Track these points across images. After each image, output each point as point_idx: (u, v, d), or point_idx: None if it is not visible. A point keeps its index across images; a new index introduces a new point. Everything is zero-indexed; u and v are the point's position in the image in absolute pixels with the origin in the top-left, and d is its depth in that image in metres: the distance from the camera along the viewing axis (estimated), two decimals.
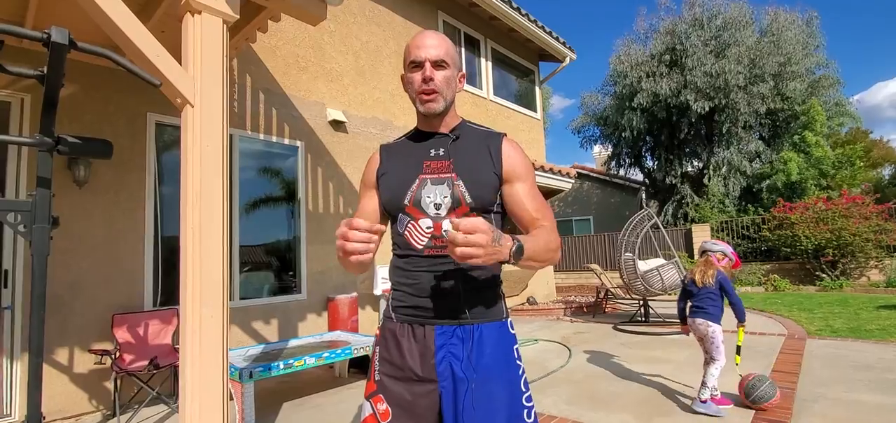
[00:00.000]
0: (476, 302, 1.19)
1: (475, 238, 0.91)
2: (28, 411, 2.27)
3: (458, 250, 0.91)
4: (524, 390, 1.21)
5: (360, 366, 4.55)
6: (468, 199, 1.18)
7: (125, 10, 2.22)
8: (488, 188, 1.20)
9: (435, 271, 1.18)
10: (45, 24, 2.88)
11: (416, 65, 1.20)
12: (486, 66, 8.31)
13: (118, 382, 3.42)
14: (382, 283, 5.56)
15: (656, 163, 17.01)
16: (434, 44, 1.20)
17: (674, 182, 15.83)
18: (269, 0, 2.99)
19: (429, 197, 1.20)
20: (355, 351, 3.81)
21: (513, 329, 1.27)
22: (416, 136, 1.30)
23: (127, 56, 2.41)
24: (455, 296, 1.18)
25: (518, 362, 1.23)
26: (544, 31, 8.92)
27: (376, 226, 1.02)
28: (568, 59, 9.80)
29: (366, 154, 5.86)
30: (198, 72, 2.38)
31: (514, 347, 1.24)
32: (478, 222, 0.93)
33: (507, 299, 1.32)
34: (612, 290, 7.63)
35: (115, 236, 3.87)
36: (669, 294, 6.48)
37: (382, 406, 1.19)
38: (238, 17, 2.57)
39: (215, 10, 2.45)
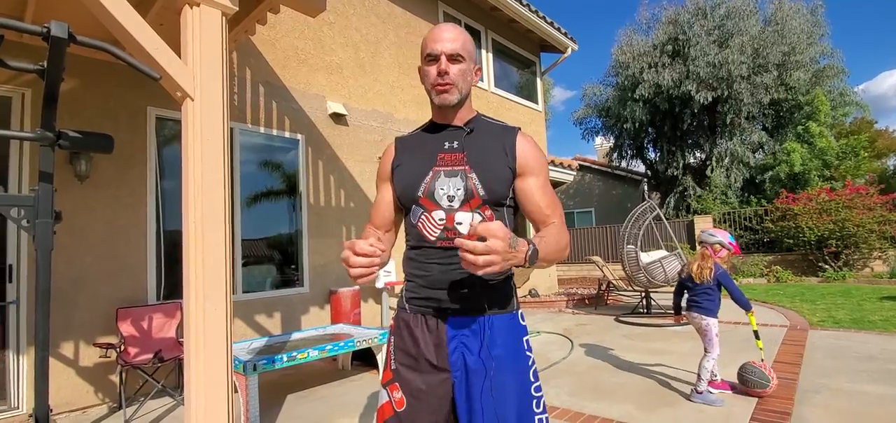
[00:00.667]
0: (488, 294, 1.21)
1: (493, 244, 0.91)
2: (35, 403, 2.29)
3: (480, 259, 0.90)
4: (534, 380, 1.23)
5: (363, 359, 4.57)
6: (481, 191, 1.19)
7: (124, 3, 2.21)
8: (502, 182, 1.21)
9: (447, 263, 1.20)
10: (44, 18, 2.86)
11: (432, 58, 1.21)
12: (486, 58, 8.26)
13: (123, 375, 3.45)
14: (385, 276, 5.58)
15: (658, 154, 16.94)
16: (450, 37, 1.21)
17: (676, 174, 15.78)
18: None
19: (442, 189, 1.21)
20: (358, 344, 3.83)
21: (523, 321, 1.29)
22: (431, 128, 1.31)
23: (126, 50, 2.41)
24: (467, 288, 1.19)
25: (528, 353, 1.25)
26: (545, 21, 8.85)
27: (379, 242, 1.04)
28: (569, 50, 9.73)
29: (367, 147, 5.85)
30: (197, 65, 2.37)
31: (525, 338, 1.26)
32: (494, 227, 0.92)
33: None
34: (613, 282, 7.63)
35: (117, 230, 3.88)
36: (672, 286, 6.47)
37: (398, 394, 1.22)
38: (237, 9, 2.55)
39: (214, 2, 2.44)
